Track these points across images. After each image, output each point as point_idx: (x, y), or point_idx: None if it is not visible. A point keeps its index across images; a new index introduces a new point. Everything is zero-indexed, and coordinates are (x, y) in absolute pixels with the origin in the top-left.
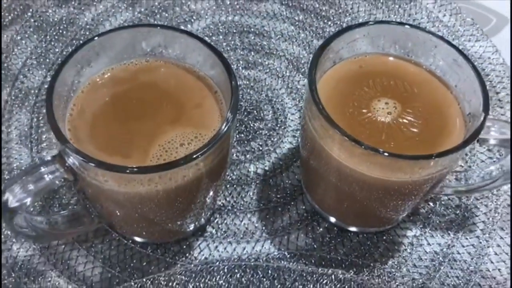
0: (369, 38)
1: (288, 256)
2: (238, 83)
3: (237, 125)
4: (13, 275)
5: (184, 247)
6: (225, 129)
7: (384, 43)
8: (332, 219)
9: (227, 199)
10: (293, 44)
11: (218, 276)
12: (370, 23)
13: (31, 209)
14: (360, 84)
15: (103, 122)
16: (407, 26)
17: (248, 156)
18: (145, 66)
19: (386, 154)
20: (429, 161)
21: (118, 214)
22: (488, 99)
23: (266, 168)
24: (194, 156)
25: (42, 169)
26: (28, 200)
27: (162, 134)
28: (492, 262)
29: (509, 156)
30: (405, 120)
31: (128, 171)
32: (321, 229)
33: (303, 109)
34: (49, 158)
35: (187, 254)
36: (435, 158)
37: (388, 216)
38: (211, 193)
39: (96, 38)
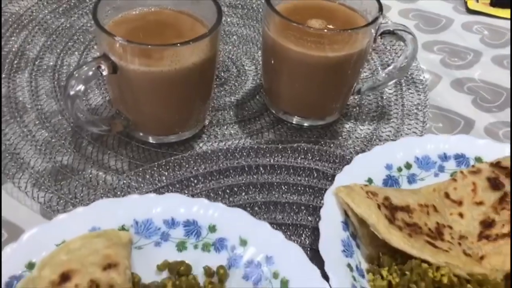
0: None
1: (264, 146)
2: None
3: None
4: (63, 171)
5: (188, 146)
6: (217, 25)
7: None
8: (293, 120)
9: (213, 118)
10: (240, 27)
11: (219, 154)
12: None
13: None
14: (297, 15)
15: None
16: None
17: (223, 92)
18: (150, 12)
19: (326, 30)
20: (350, 33)
21: (144, 103)
22: (382, 6)
23: (238, 98)
24: (201, 35)
25: (88, 66)
26: (82, 87)
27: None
28: (407, 134)
29: (401, 57)
30: (330, 27)
31: (159, 47)
32: (285, 128)
33: (263, 26)
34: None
35: (191, 151)
36: (353, 30)
37: (329, 103)
38: (207, 88)
39: None
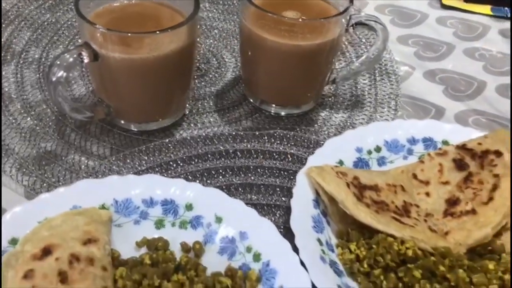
0: None
1: (242, 133)
2: None
3: None
4: (46, 157)
5: (168, 134)
6: (194, 14)
7: None
8: (270, 109)
9: (193, 107)
10: (221, 22)
11: (198, 140)
12: None
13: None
14: (273, 7)
15: None
16: None
17: (203, 83)
18: (131, 3)
19: (300, 20)
20: (322, 22)
21: (124, 90)
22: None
23: (218, 89)
24: (179, 23)
25: (69, 53)
26: (64, 74)
27: None
28: (378, 121)
29: (373, 47)
30: (304, 17)
31: (138, 34)
32: (262, 117)
33: (240, 18)
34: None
35: (171, 137)
36: (325, 19)
37: (305, 92)
38: (186, 77)
39: None
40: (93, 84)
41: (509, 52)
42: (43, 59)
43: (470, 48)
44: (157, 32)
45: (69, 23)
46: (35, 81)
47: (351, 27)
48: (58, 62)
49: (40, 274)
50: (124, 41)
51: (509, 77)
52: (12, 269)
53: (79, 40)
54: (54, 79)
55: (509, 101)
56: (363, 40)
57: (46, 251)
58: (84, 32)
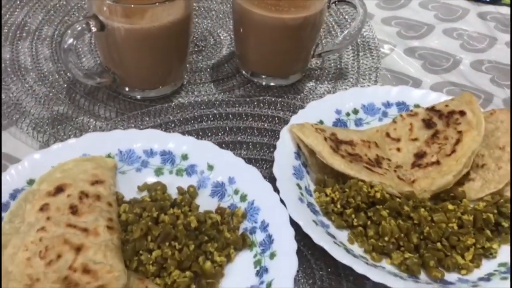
0: None
1: (234, 99)
2: None
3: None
4: (59, 118)
5: (168, 100)
6: None
7: None
8: (260, 80)
9: (191, 78)
10: (218, 4)
11: (194, 105)
12: None
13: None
14: None
15: None
16: None
17: (200, 58)
18: None
19: None
20: None
21: (128, 59)
22: None
23: (213, 62)
24: None
25: (78, 23)
26: (74, 42)
27: None
28: (361, 88)
29: (354, 23)
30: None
31: (140, 6)
32: (254, 87)
33: None
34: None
35: (170, 103)
36: None
37: (291, 63)
38: (183, 47)
39: None
40: (100, 55)
41: (485, 32)
42: (55, 36)
43: (449, 28)
44: (157, 4)
45: (79, 5)
46: (48, 55)
47: (333, 4)
48: (69, 31)
49: (54, 207)
50: (127, 13)
51: (483, 54)
52: (29, 203)
53: None
54: (65, 46)
55: (482, 74)
56: (348, 20)
57: (59, 189)
58: (92, 4)
